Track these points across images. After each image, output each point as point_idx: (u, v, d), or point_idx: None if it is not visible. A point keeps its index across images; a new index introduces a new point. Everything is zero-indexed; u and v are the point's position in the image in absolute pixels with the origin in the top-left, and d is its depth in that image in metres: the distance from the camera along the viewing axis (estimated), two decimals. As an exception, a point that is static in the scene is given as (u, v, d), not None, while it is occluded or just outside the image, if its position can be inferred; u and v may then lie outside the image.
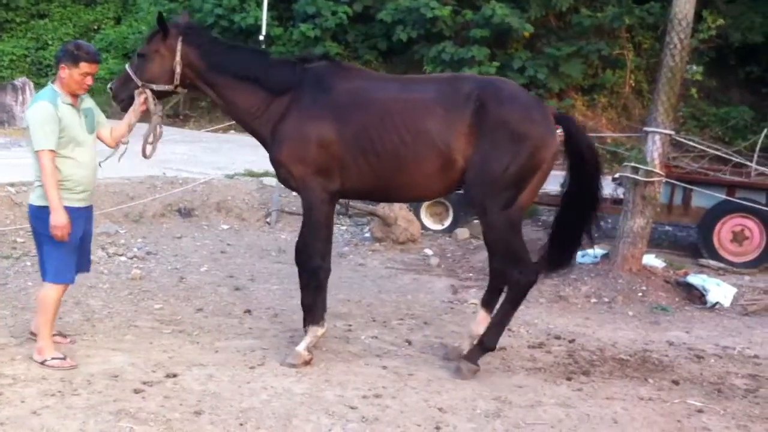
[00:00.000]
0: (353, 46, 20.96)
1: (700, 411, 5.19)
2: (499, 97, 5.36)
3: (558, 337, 6.67)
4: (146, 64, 5.58)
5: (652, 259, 8.82)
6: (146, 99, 5.55)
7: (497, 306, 5.78)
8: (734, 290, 8.12)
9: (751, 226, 9.38)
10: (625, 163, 8.52)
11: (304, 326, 5.73)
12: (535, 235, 10.54)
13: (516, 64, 18.27)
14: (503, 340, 6.45)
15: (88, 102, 5.50)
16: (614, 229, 9.02)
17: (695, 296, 8.01)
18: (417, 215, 10.18)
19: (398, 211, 9.62)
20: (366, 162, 5.39)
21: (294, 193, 10.98)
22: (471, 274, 8.62)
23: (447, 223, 10.43)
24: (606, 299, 7.85)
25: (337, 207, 10.57)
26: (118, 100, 5.70)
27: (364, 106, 5.44)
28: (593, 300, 7.84)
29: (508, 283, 5.60)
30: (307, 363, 5.53)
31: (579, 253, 8.84)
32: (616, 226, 9.02)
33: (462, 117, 5.27)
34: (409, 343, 6.29)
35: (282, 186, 10.82)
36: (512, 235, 5.46)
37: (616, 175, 9.58)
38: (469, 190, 5.41)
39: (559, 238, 5.81)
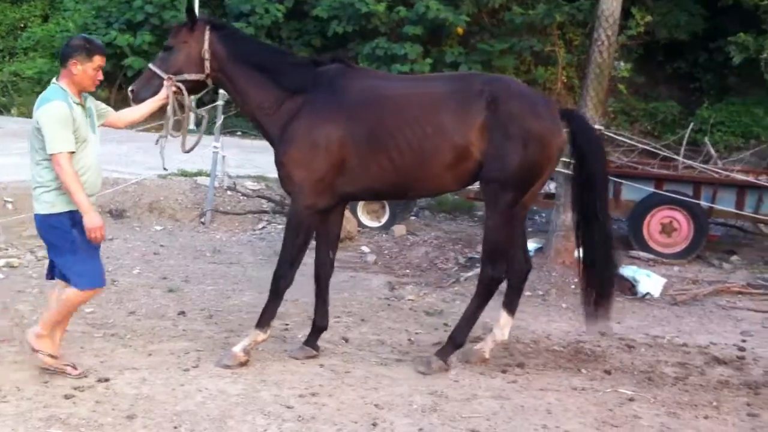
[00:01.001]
0: (287, 43, 20.83)
1: (631, 399, 5.30)
2: (508, 93, 5.48)
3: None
4: (174, 56, 5.61)
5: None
6: (175, 91, 5.52)
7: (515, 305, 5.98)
8: (664, 281, 8.31)
9: (680, 218, 9.60)
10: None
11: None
12: (471, 230, 10.67)
13: (449, 59, 18.40)
14: (440, 334, 6.54)
15: (90, 101, 5.26)
16: (548, 223, 9.16)
17: (626, 287, 8.17)
18: (354, 213, 10.18)
19: (334, 208, 9.59)
20: (387, 158, 5.42)
21: (229, 192, 10.93)
22: (408, 271, 8.66)
23: (384, 220, 10.44)
24: (540, 292, 7.97)
25: (272, 205, 10.54)
26: (139, 100, 5.61)
27: (380, 104, 5.50)
28: (528, 293, 7.91)
29: (481, 277, 5.70)
30: (242, 365, 5.49)
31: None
32: (549, 220, 9.16)
33: (476, 111, 5.36)
34: (346, 340, 6.29)
35: (217, 185, 10.84)
36: (507, 232, 5.62)
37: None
38: (484, 183, 5.52)
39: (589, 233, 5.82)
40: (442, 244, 9.70)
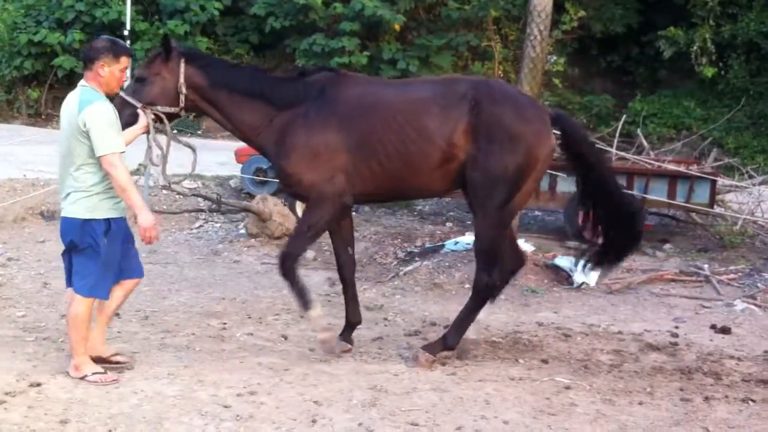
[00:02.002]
0: (223, 40, 20.63)
1: (567, 387, 5.38)
2: (492, 96, 5.53)
3: (434, 324, 6.79)
4: (147, 87, 5.54)
5: (521, 244, 9.04)
6: (154, 119, 5.47)
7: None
8: (599, 270, 8.44)
9: (614, 208, 9.76)
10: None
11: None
12: (410, 225, 10.71)
13: (386, 55, 18.43)
14: (380, 329, 6.55)
15: None
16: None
17: (563, 277, 8.31)
18: (293, 210, 10.11)
19: (273, 206, 9.53)
20: (377, 163, 5.51)
21: (165, 192, 10.76)
22: (347, 266, 8.63)
23: (323, 216, 10.38)
24: (479, 285, 8.01)
25: (209, 204, 10.41)
26: None
27: (368, 110, 5.59)
28: (467, 286, 7.97)
29: (475, 284, 5.74)
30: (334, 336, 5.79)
31: (452, 241, 9.06)
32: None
33: (459, 115, 5.44)
34: (285, 338, 6.26)
35: (152, 185, 10.65)
36: (499, 237, 5.68)
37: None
38: (470, 187, 5.54)
39: (609, 225, 5.90)
40: (381, 239, 9.71)
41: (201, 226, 10.38)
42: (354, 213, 11.11)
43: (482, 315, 5.93)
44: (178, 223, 10.39)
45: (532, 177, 5.63)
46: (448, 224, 10.87)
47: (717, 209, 10.33)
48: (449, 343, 5.75)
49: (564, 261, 8.50)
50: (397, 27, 18.70)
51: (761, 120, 18.57)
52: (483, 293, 5.72)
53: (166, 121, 5.56)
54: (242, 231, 9.90)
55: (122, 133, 5.03)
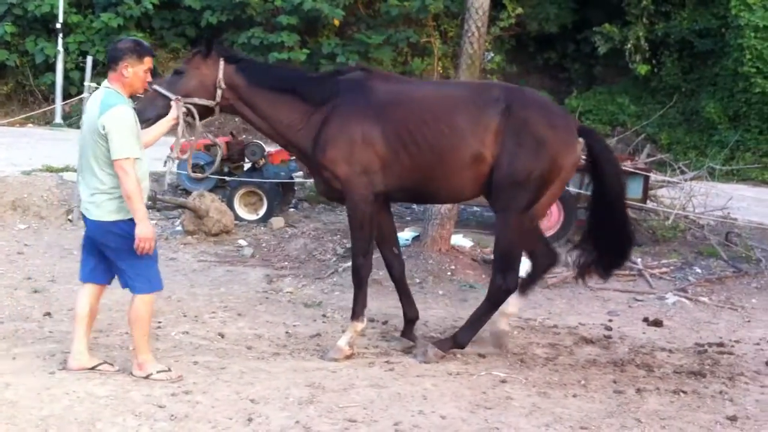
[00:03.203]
0: (159, 33, 20.29)
1: (504, 381, 5.43)
2: (523, 101, 5.68)
3: (372, 320, 6.75)
4: (184, 80, 5.66)
5: (460, 239, 9.15)
6: (185, 113, 5.56)
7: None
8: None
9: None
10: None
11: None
12: (333, 226, 10.67)
13: (326, 50, 18.38)
14: (318, 326, 6.53)
15: None
16: (425, 212, 9.27)
17: (500, 272, 8.37)
18: (230, 206, 10.01)
19: (210, 202, 9.41)
20: (407, 155, 5.59)
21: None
22: (286, 263, 8.58)
23: (261, 212, 10.30)
24: (417, 280, 8.04)
25: (145, 201, 10.21)
26: (143, 119, 5.41)
27: (402, 104, 5.69)
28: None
29: (491, 286, 5.80)
30: (348, 357, 5.68)
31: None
32: (426, 208, 9.26)
33: (491, 116, 5.55)
34: (222, 336, 6.18)
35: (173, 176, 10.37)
36: (518, 241, 5.74)
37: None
38: (494, 189, 5.62)
39: (606, 244, 5.98)
40: (320, 235, 9.67)
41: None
42: (293, 209, 11.15)
43: (514, 309, 6.09)
44: (112, 220, 10.17)
45: (555, 184, 5.72)
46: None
47: (650, 204, 10.55)
48: (460, 342, 5.83)
49: (501, 256, 8.56)
50: (336, 22, 18.67)
51: (693, 116, 19.04)
52: (497, 297, 5.77)
53: (196, 115, 5.64)
54: (178, 228, 9.75)
55: (141, 138, 5.02)
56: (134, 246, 4.89)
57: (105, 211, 4.95)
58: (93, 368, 5.20)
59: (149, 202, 10.01)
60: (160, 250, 8.84)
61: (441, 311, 7.17)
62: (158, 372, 5.13)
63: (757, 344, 6.52)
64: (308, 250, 9.12)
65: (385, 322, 6.71)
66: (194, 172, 11.02)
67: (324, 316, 6.90)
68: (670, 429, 4.78)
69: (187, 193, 10.59)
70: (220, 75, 5.67)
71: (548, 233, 9.78)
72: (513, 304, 6.02)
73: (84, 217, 5.12)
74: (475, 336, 5.89)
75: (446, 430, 4.64)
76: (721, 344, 6.45)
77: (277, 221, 10.13)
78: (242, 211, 10.30)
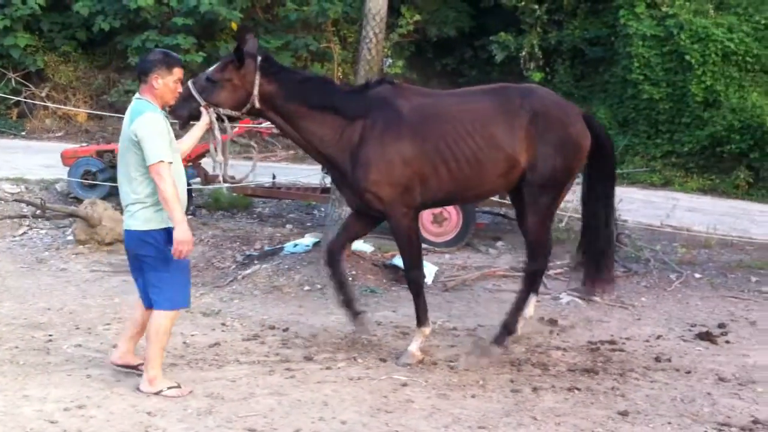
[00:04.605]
0: (48, 36, 19.55)
1: (404, 384, 5.47)
2: (543, 104, 5.96)
3: (272, 327, 6.72)
4: (216, 90, 5.61)
5: (361, 245, 9.15)
6: (213, 119, 5.58)
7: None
8: (435, 268, 8.66)
9: (449, 208, 9.99)
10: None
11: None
12: (249, 228, 10.56)
13: (224, 53, 18.10)
14: (217, 335, 6.43)
15: None
16: (325, 218, 9.26)
17: (401, 277, 8.42)
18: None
19: (103, 210, 9.13)
20: (447, 170, 5.79)
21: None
22: (183, 272, 8.40)
23: (157, 220, 10.06)
24: (319, 286, 8.01)
25: (33, 209, 9.87)
26: (175, 116, 5.58)
27: (435, 119, 5.85)
28: (307, 288, 7.99)
29: (526, 271, 6.29)
30: (420, 362, 5.89)
31: (291, 243, 9.01)
32: (327, 214, 9.25)
33: (520, 123, 5.82)
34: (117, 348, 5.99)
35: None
36: (547, 229, 6.27)
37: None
38: (527, 188, 5.93)
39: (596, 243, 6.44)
40: (219, 242, 9.52)
41: (25, 233, 9.79)
42: (190, 216, 10.91)
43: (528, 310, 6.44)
44: (-1, 230, 9.77)
45: (575, 174, 6.20)
46: (288, 226, 10.82)
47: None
48: (510, 329, 6.20)
49: (401, 260, 8.62)
50: (234, 25, 18.44)
51: (585, 122, 19.61)
52: (533, 279, 6.27)
53: (226, 120, 5.70)
54: (70, 237, 9.42)
55: (174, 142, 5.06)
56: (171, 250, 4.87)
57: (138, 221, 4.98)
58: (136, 367, 5.33)
59: (38, 211, 9.76)
60: (50, 260, 8.69)
61: (342, 317, 7.12)
62: (169, 388, 5.06)
63: (647, 341, 6.76)
64: (206, 257, 8.97)
65: (286, 329, 6.66)
66: (85, 178, 10.78)
67: (223, 324, 6.79)
68: (565, 426, 4.91)
69: (79, 201, 10.26)
70: (256, 91, 5.65)
71: (447, 237, 9.97)
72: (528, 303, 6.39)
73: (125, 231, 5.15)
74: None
75: (347, 435, 4.64)
76: (612, 342, 6.66)
77: (175, 229, 9.90)
78: (138, 220, 10.02)
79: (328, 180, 9.69)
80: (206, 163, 10.68)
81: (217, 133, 5.66)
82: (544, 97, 6.13)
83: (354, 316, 6.24)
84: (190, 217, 10.86)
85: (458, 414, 5.00)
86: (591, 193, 6.43)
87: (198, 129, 5.55)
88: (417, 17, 19.08)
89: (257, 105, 5.70)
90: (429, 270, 8.51)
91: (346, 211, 8.45)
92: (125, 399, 4.98)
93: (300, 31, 19.35)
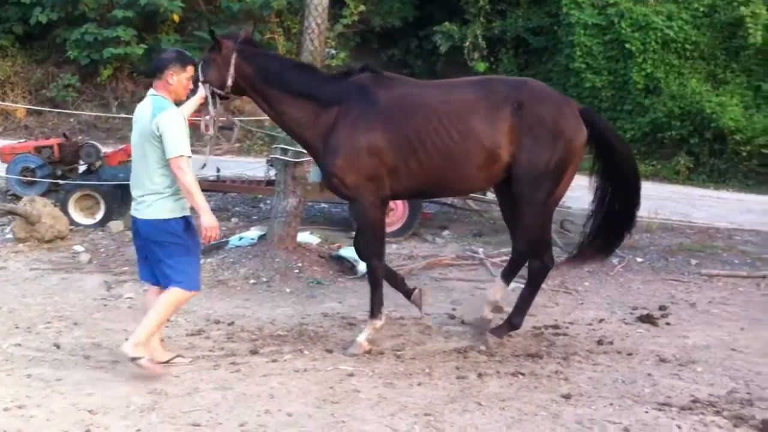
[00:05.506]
0: (-15, 29, 19.09)
1: (351, 375, 5.47)
2: (533, 97, 5.86)
3: (218, 322, 6.66)
4: (206, 68, 5.96)
5: (307, 236, 9.14)
6: (208, 94, 5.93)
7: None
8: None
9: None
10: (275, 145, 8.70)
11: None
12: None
13: (165, 45, 17.88)
14: (161, 331, 6.32)
15: None
16: (271, 210, 9.19)
17: (347, 268, 8.43)
18: (65, 210, 9.56)
19: (42, 207, 8.94)
20: (418, 162, 5.78)
21: None
22: (126, 268, 8.27)
23: (99, 216, 9.90)
24: (264, 279, 7.97)
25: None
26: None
27: (410, 110, 5.83)
28: (252, 281, 7.94)
29: (530, 269, 6.18)
30: (367, 352, 5.88)
31: (236, 237, 8.94)
32: (272, 207, 9.18)
33: (502, 116, 5.75)
34: (58, 347, 5.90)
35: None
36: (547, 226, 6.11)
37: (269, 157, 9.76)
38: (516, 184, 5.86)
39: (609, 223, 6.39)
40: (163, 237, 9.38)
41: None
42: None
43: (497, 297, 6.50)
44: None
45: (571, 169, 5.99)
46: (234, 220, 10.73)
47: (490, 196, 10.89)
48: (515, 324, 6.20)
49: (348, 252, 8.62)
50: (175, 17, 18.19)
51: (529, 111, 19.81)
52: (537, 276, 6.16)
53: (216, 98, 5.97)
54: (9, 235, 9.21)
55: (188, 139, 5.29)
56: (202, 237, 5.27)
57: (158, 210, 5.23)
58: (167, 362, 5.44)
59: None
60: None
61: (289, 309, 7.13)
62: (147, 359, 5.22)
63: (590, 324, 6.87)
64: (150, 253, 8.83)
65: (231, 323, 6.60)
66: (23, 175, 10.54)
67: (168, 320, 6.68)
68: (509, 410, 4.96)
69: (18, 198, 10.04)
70: (231, 70, 5.90)
71: (393, 228, 9.98)
72: (496, 292, 6.46)
73: (135, 221, 5.35)
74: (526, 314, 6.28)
75: (292, 427, 4.63)
76: (556, 326, 6.75)
77: (116, 225, 9.76)
78: (78, 216, 9.87)
79: (272, 172, 9.63)
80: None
81: (210, 108, 5.97)
82: (534, 90, 6.03)
83: (407, 295, 6.40)
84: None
85: (404, 402, 5.02)
86: (606, 188, 6.34)
87: (193, 101, 5.85)
88: (361, 8, 19.04)
89: (229, 83, 5.91)
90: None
91: (291, 203, 8.44)
92: (66, 398, 4.90)
93: (243, 23, 19.13)
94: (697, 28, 17.18)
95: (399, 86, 6.06)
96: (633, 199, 6.34)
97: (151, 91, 5.39)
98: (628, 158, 6.38)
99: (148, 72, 5.60)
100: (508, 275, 6.59)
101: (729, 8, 16.90)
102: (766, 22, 16.37)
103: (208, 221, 5.21)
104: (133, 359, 5.16)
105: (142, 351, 5.21)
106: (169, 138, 5.12)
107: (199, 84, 5.90)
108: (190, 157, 5.20)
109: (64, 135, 10.95)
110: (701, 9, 17.29)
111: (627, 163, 6.32)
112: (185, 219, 5.31)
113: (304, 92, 5.94)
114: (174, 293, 5.28)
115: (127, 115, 16.64)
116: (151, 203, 5.24)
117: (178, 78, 5.31)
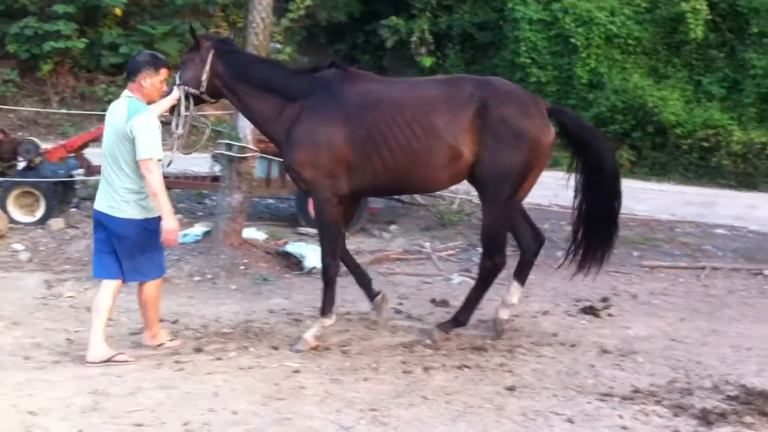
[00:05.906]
0: None
1: (297, 371, 5.45)
2: (498, 96, 5.81)
3: (161, 320, 6.53)
4: (182, 69, 6.08)
5: (253, 232, 9.08)
6: (182, 96, 5.97)
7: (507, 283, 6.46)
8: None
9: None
10: (219, 140, 8.61)
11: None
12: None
13: (107, 40, 17.60)
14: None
15: None
16: (216, 206, 9.10)
17: (294, 263, 8.40)
18: (3, 208, 9.34)
19: (-20, 205, 8.73)
20: (380, 159, 5.75)
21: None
22: (67, 266, 8.12)
23: (39, 214, 9.69)
24: (210, 276, 7.90)
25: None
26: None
27: (373, 107, 5.80)
28: (197, 278, 7.86)
29: (481, 268, 6.16)
30: (313, 349, 5.86)
31: (181, 233, 8.81)
32: (217, 203, 9.09)
33: (465, 115, 5.70)
34: (-3, 347, 5.77)
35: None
36: (504, 226, 6.06)
37: (214, 153, 9.64)
38: (478, 183, 5.89)
39: (594, 220, 6.26)
40: (106, 234, 9.23)
41: None
42: (74, 209, 10.57)
43: (514, 299, 6.35)
44: None
45: (536, 169, 5.96)
46: (178, 216, 10.53)
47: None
48: (461, 321, 6.19)
49: (295, 247, 8.60)
50: (118, 11, 17.89)
51: (476, 105, 19.98)
52: (487, 276, 6.10)
53: (191, 99, 6.01)
54: (-55, 234, 8.97)
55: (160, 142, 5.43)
56: (161, 239, 5.36)
57: (137, 209, 5.40)
58: (110, 359, 5.49)
59: None
60: None
61: (234, 306, 7.07)
62: (171, 341, 5.83)
63: (534, 317, 6.96)
64: (92, 251, 8.64)
65: (175, 321, 6.53)
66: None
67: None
68: (455, 403, 4.99)
69: (-46, 196, 9.77)
70: (207, 67, 6.00)
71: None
72: (514, 293, 6.34)
73: (104, 217, 5.45)
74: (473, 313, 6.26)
75: (237, 425, 4.59)
76: (501, 319, 6.80)
77: (57, 222, 9.58)
78: (17, 214, 9.64)
79: (217, 168, 9.54)
80: (88, 153, 10.33)
81: (182, 109, 5.99)
82: (499, 88, 5.99)
83: (371, 297, 6.44)
84: (73, 209, 10.54)
85: (350, 398, 5.01)
86: (588, 186, 6.24)
87: (166, 101, 5.90)
88: (308, 2, 18.95)
89: (203, 78, 5.99)
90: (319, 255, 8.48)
91: (236, 199, 8.37)
92: (6, 398, 4.79)
93: (188, 16, 18.92)
94: (640, 24, 17.49)
95: (364, 82, 6.04)
96: (612, 192, 6.24)
97: (125, 92, 5.49)
98: (605, 152, 6.25)
99: (129, 71, 5.44)
100: (520, 275, 6.43)
101: (670, 4, 17.24)
102: (706, 17, 16.74)
103: (169, 225, 5.31)
104: (159, 346, 5.77)
105: (162, 337, 5.83)
106: (141, 141, 5.25)
107: (174, 87, 5.99)
108: (160, 160, 5.34)
109: (2, 131, 10.64)
110: (643, 5, 17.61)
111: (603, 158, 6.20)
112: (146, 220, 5.45)
113: (270, 87, 6.03)
114: (150, 289, 5.67)
115: (67, 111, 16.42)
116: (133, 202, 5.40)
117: (151, 81, 5.45)
